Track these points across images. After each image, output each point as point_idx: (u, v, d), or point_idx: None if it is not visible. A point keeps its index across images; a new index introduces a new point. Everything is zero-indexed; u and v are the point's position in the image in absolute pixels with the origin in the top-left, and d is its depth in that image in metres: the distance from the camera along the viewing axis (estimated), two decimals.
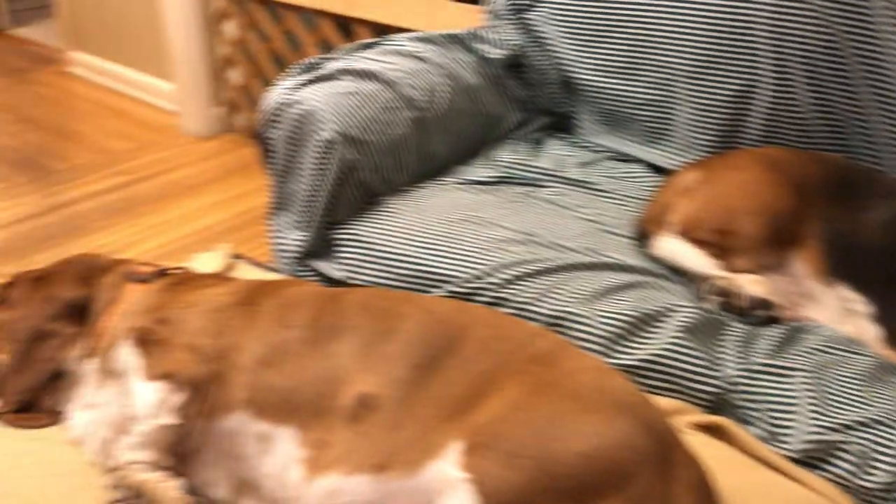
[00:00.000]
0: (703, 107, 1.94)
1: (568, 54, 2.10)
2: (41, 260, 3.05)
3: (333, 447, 1.12)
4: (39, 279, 1.43)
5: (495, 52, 2.10)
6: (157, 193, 3.58)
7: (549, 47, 2.12)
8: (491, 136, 2.11)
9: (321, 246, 1.82)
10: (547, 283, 1.55)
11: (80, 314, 1.38)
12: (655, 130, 2.05)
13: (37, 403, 1.32)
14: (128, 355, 1.23)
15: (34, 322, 1.34)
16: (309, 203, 1.81)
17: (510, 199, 1.83)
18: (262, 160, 1.95)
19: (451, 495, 1.00)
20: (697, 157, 1.97)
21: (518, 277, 1.56)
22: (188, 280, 1.39)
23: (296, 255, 1.83)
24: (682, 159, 2.00)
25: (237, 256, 1.78)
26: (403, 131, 1.87)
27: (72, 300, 1.37)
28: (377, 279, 1.69)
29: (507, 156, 2.02)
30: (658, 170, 2.06)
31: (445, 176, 1.95)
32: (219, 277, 1.45)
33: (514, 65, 2.14)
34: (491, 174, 1.92)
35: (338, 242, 1.78)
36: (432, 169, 1.97)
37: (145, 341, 1.23)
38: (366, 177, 1.80)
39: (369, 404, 1.14)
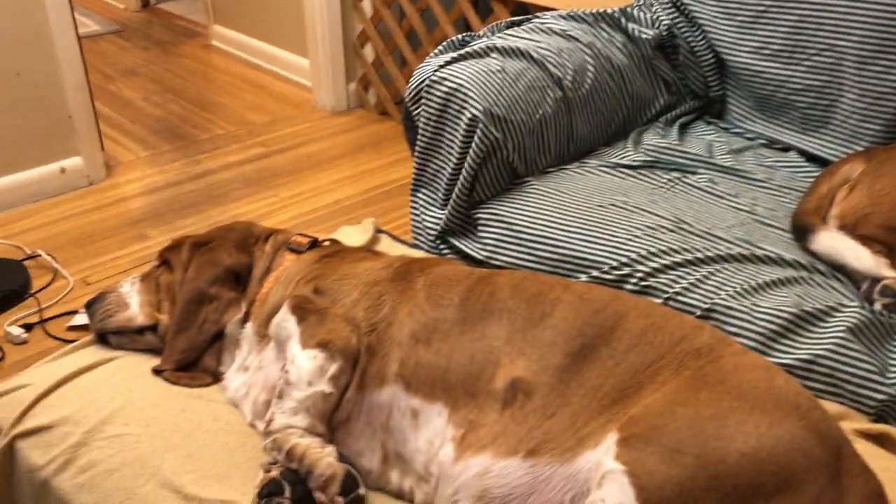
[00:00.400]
0: (872, 94, 1.81)
1: (724, 35, 2.00)
2: (185, 225, 3.21)
3: (484, 428, 1.12)
4: (201, 244, 1.48)
5: (646, 32, 2.03)
6: (292, 166, 3.68)
7: (703, 27, 2.03)
8: (637, 118, 2.05)
9: (461, 224, 1.81)
10: (698, 273, 1.49)
11: (239, 280, 1.42)
12: (815, 118, 1.94)
13: (197, 363, 1.38)
14: (285, 322, 1.26)
15: (197, 285, 1.39)
16: (451, 181, 1.81)
17: (659, 185, 1.77)
18: (407, 136, 1.97)
19: (607, 486, 0.97)
20: (860, 148, 1.85)
21: (668, 266, 1.51)
22: (340, 252, 1.42)
23: (435, 232, 1.84)
24: (843, 149, 1.88)
25: (379, 231, 1.80)
26: (549, 111, 1.84)
27: (232, 266, 1.42)
28: (519, 261, 1.67)
29: (654, 140, 1.95)
30: (814, 159, 1.95)
31: (589, 158, 1.91)
32: (369, 252, 1.46)
33: (665, 45, 2.07)
34: (638, 158, 1.86)
35: (479, 222, 1.77)
36: (575, 151, 1.93)
37: (302, 310, 1.26)
38: (509, 156, 1.78)
39: (523, 389, 1.12)
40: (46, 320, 2.61)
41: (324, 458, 1.13)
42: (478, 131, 1.73)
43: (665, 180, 1.79)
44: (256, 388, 1.31)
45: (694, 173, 1.82)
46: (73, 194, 3.40)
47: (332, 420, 1.21)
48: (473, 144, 1.73)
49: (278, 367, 1.26)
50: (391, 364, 1.20)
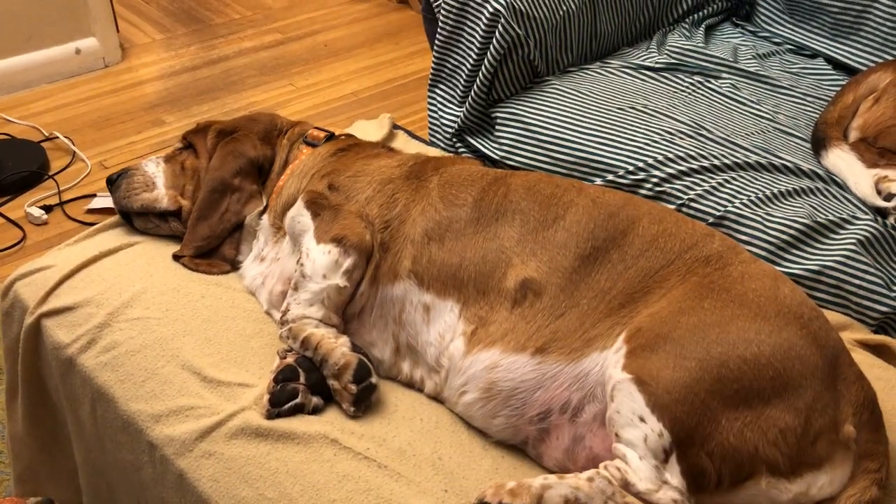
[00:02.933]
0: None
1: None
2: (201, 112, 3.19)
3: (494, 325, 1.15)
4: (227, 132, 1.48)
5: None
6: (309, 54, 3.63)
7: None
8: (662, 18, 1.99)
9: (478, 122, 1.80)
10: (714, 181, 1.49)
11: (261, 172, 1.43)
12: (847, 23, 1.88)
13: (215, 251, 1.41)
14: (300, 217, 1.28)
15: (221, 175, 1.40)
16: (470, 77, 1.78)
17: (681, 89, 1.75)
18: (426, 29, 1.93)
19: (618, 397, 1.01)
20: (890, 57, 1.81)
21: (684, 173, 1.51)
22: (356, 148, 1.42)
23: (452, 129, 1.83)
24: (873, 58, 1.84)
25: (396, 127, 1.80)
26: (573, 7, 1.80)
27: (256, 158, 1.43)
28: (534, 162, 1.67)
29: (679, 41, 1.91)
30: (841, 67, 1.90)
31: (611, 58, 1.88)
32: (385, 148, 1.46)
33: None
34: (662, 60, 1.82)
35: (496, 120, 1.76)
36: (598, 50, 1.89)
37: (317, 205, 1.27)
38: (530, 53, 1.75)
39: (532, 289, 1.15)
40: (65, 202, 2.65)
41: (338, 347, 1.17)
42: (499, 27, 1.69)
43: (687, 84, 1.76)
44: (272, 279, 1.34)
45: (717, 77, 1.78)
46: (89, 76, 3.38)
47: (345, 312, 1.24)
48: (494, 40, 1.70)
49: (294, 260, 1.29)
50: (404, 260, 1.22)
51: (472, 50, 1.76)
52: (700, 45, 1.88)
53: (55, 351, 1.32)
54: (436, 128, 1.88)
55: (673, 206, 1.48)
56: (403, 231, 1.24)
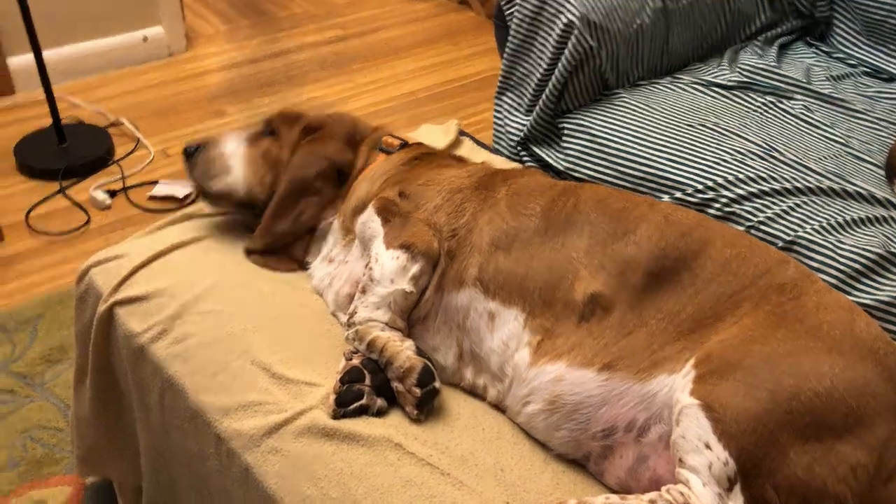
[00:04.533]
0: None
1: None
2: (262, 104, 3.23)
3: (561, 338, 1.15)
4: (312, 129, 1.49)
5: None
6: (369, 52, 3.66)
7: None
8: (735, 35, 1.97)
9: (545, 133, 1.81)
10: (784, 204, 1.47)
11: (340, 177, 1.44)
12: None
13: (286, 250, 1.43)
14: (371, 222, 1.30)
15: (303, 174, 1.41)
16: (539, 87, 1.79)
17: (752, 109, 1.73)
18: (497, 36, 1.93)
19: (685, 422, 1.01)
20: None
21: (754, 194, 1.49)
22: (427, 157, 1.43)
23: (518, 138, 1.83)
24: None
25: (462, 133, 1.81)
26: (646, 21, 1.79)
27: (339, 162, 1.43)
28: (600, 175, 1.67)
29: (751, 59, 1.89)
30: None
31: (682, 74, 1.86)
32: (454, 158, 1.47)
33: None
34: (734, 78, 1.80)
35: (563, 131, 1.76)
36: (669, 65, 1.88)
37: (387, 212, 1.29)
38: (602, 66, 1.75)
39: (601, 304, 1.15)
40: (128, 188, 2.71)
41: (403, 350, 1.19)
42: (572, 38, 1.69)
43: (759, 104, 1.74)
44: (340, 281, 1.36)
45: (790, 98, 1.76)
46: (155, 64, 3.45)
47: (410, 317, 1.26)
48: (566, 51, 1.70)
49: (362, 264, 1.31)
50: (470, 268, 1.24)
51: (542, 59, 1.76)
52: (773, 63, 1.86)
53: (127, 339, 1.36)
54: (501, 135, 1.89)
55: (742, 228, 1.47)
56: (470, 240, 1.25)
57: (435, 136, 1.77)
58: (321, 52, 3.64)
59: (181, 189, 2.68)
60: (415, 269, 1.23)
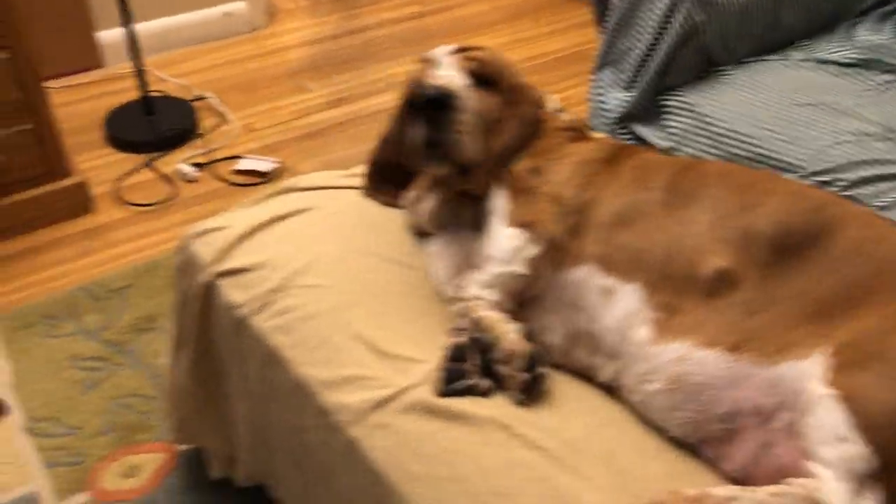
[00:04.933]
0: None
1: None
2: (341, 80, 3.22)
3: (684, 315, 1.10)
4: (515, 89, 1.34)
5: None
6: (448, 28, 3.61)
7: None
8: (848, 10, 1.88)
9: (646, 110, 1.75)
10: None
11: None
12: None
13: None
14: (497, 197, 1.26)
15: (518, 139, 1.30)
16: (642, 62, 1.73)
17: (871, 87, 1.64)
18: (596, 9, 1.88)
19: (821, 413, 0.95)
20: None
21: (874, 178, 1.42)
22: (559, 130, 1.38)
23: (618, 114, 1.78)
24: None
25: (560, 111, 1.75)
26: None
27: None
28: (706, 154, 1.61)
29: (867, 35, 1.79)
30: None
31: (792, 50, 1.78)
32: (584, 132, 1.41)
33: None
34: (850, 55, 1.72)
35: (666, 109, 1.70)
36: (778, 41, 1.80)
37: (515, 187, 1.25)
38: (709, 41, 1.68)
39: (728, 281, 1.09)
40: (214, 161, 2.73)
41: (510, 332, 1.15)
42: (681, 12, 1.63)
43: (876, 82, 1.65)
44: (452, 251, 1.32)
45: None
46: (237, 39, 3.47)
47: (524, 296, 1.22)
48: (673, 26, 1.64)
49: (480, 237, 1.27)
50: (590, 244, 1.19)
51: (646, 34, 1.70)
52: (891, 39, 1.76)
53: (228, 310, 1.36)
54: (598, 111, 1.83)
55: None
56: (593, 214, 1.21)
57: None
58: (400, 29, 3.61)
59: (265, 164, 2.70)
60: (533, 251, 1.18)
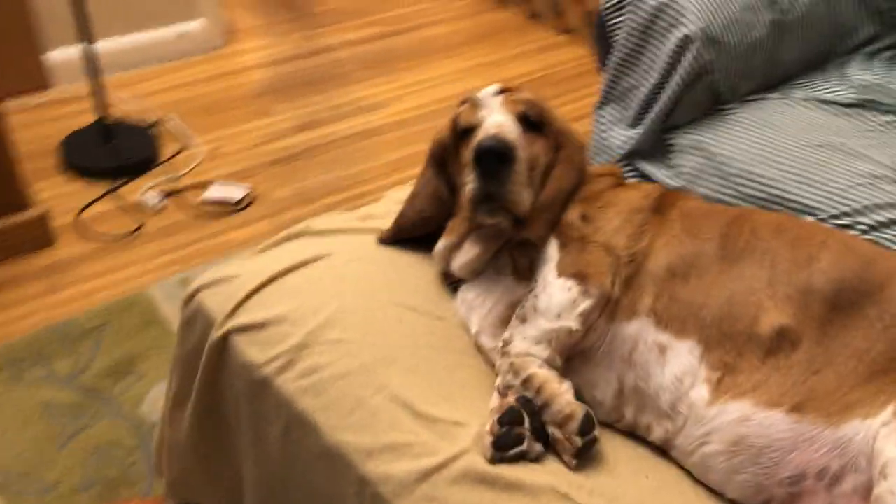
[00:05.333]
0: None
1: None
2: (308, 104, 3.14)
3: (744, 374, 1.08)
4: (561, 133, 1.31)
5: None
6: (413, 50, 3.57)
7: None
8: (839, 48, 1.90)
9: (653, 147, 1.73)
10: None
11: None
12: None
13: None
14: (549, 246, 1.21)
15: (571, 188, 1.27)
16: (648, 100, 1.71)
17: (873, 128, 1.66)
18: (597, 44, 1.86)
19: (893, 475, 0.94)
20: None
21: (892, 222, 1.43)
22: (610, 177, 1.34)
23: (623, 151, 1.76)
24: None
25: None
26: (760, 35, 1.71)
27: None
28: (719, 195, 1.60)
29: (860, 74, 1.82)
30: None
31: (791, 88, 1.79)
32: (629, 182, 1.38)
33: None
34: (849, 95, 1.73)
35: (673, 147, 1.69)
36: (776, 78, 1.81)
37: (565, 235, 1.20)
38: (717, 80, 1.67)
39: (789, 339, 1.07)
40: (181, 190, 2.62)
41: (563, 393, 1.11)
42: (691, 51, 1.62)
43: (880, 123, 1.67)
44: (492, 300, 1.26)
45: None
46: (196, 59, 3.35)
47: (573, 350, 1.18)
48: (682, 65, 1.63)
49: (520, 284, 1.23)
50: (644, 297, 1.15)
51: (653, 72, 1.69)
52: (885, 78, 1.79)
53: (246, 369, 1.28)
54: (601, 149, 1.81)
55: None
56: (647, 265, 1.17)
57: None
58: (363, 50, 3.55)
59: (235, 191, 2.60)
60: (586, 304, 1.14)
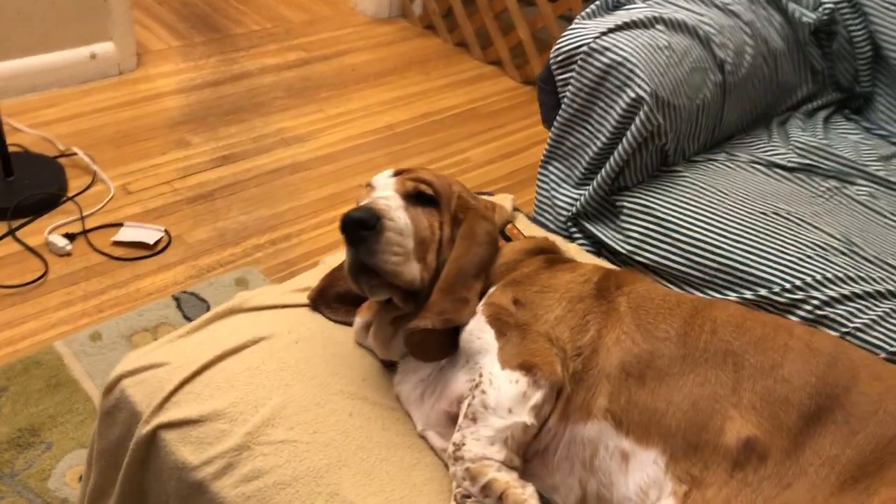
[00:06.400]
0: None
1: (889, 28, 1.86)
2: (229, 134, 2.99)
3: (712, 489, 1.03)
4: (464, 206, 1.27)
5: (807, 15, 1.87)
6: (337, 78, 3.45)
7: (868, 16, 1.88)
8: (778, 106, 1.92)
9: (600, 209, 1.69)
10: (879, 309, 1.40)
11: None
12: None
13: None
14: (481, 332, 1.13)
15: (479, 260, 1.21)
16: (596, 161, 1.67)
17: (818, 194, 1.66)
18: (540, 100, 1.80)
19: None
20: None
21: (845, 297, 1.42)
22: (544, 255, 1.27)
23: (568, 213, 1.71)
24: None
25: (516, 209, 1.66)
26: (707, 96, 1.70)
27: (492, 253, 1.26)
28: (668, 261, 1.57)
29: (802, 136, 1.83)
30: None
31: (734, 149, 1.78)
32: (567, 259, 1.32)
33: (821, 31, 1.91)
34: (792, 158, 1.74)
35: (622, 210, 1.65)
36: (720, 137, 1.80)
37: (502, 322, 1.13)
38: (666, 143, 1.64)
39: (757, 451, 1.03)
40: (89, 230, 2.42)
41: (527, 500, 1.04)
42: (641, 114, 1.58)
43: (824, 189, 1.68)
44: (433, 395, 1.19)
45: (853, 184, 1.71)
46: (103, 83, 3.14)
47: (526, 449, 1.11)
48: (633, 128, 1.59)
49: (462, 377, 1.15)
50: (599, 397, 1.10)
51: (601, 132, 1.64)
52: (824, 141, 1.80)
53: (178, 471, 1.15)
54: (546, 207, 1.76)
55: (837, 334, 1.39)
56: (597, 361, 1.11)
57: None
58: (285, 77, 3.41)
59: (150, 233, 2.43)
60: (537, 396, 1.07)
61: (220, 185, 2.71)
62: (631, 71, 1.59)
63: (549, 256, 1.26)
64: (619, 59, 1.60)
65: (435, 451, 1.18)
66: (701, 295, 1.26)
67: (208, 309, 2.20)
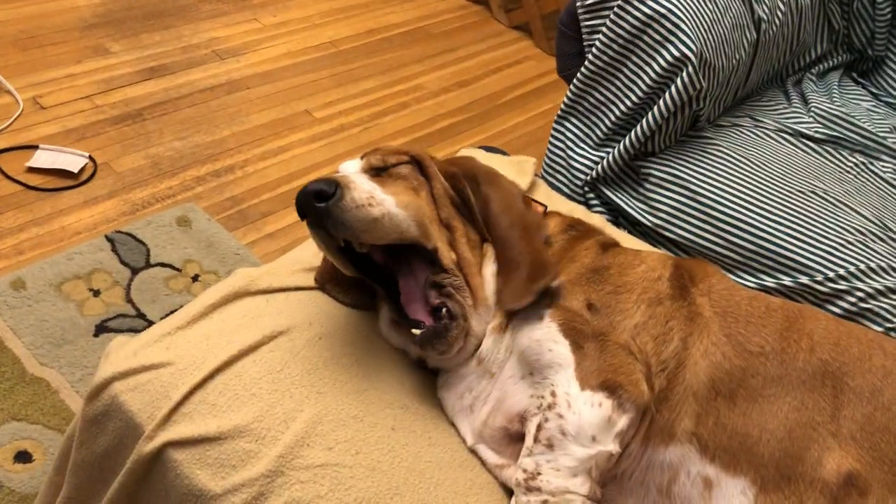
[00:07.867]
0: None
1: None
2: (153, 42, 2.63)
3: None
4: (469, 175, 1.15)
5: None
6: None
7: None
8: (792, 65, 1.81)
9: (621, 175, 1.54)
10: None
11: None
12: None
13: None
14: (552, 344, 0.98)
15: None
16: (622, 121, 1.51)
17: (846, 169, 1.58)
18: (558, 45, 1.61)
19: None
20: None
21: (890, 290, 1.35)
22: (591, 237, 1.12)
23: (586, 177, 1.56)
24: None
25: (537, 175, 1.49)
26: (743, 56, 1.56)
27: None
28: (703, 241, 1.45)
29: (815, 98, 1.73)
30: None
31: (757, 113, 1.67)
32: (613, 240, 1.16)
33: None
34: (819, 130, 1.64)
35: (648, 179, 1.51)
36: (742, 96, 1.68)
37: (577, 332, 0.98)
38: (702, 108, 1.50)
39: (857, 486, 0.95)
40: None
41: None
42: (683, 75, 1.43)
43: (851, 164, 1.59)
44: (486, 406, 1.04)
45: (878, 159, 1.63)
46: None
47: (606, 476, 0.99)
48: (673, 89, 1.44)
49: (528, 392, 1.00)
50: (684, 418, 0.98)
51: (633, 92, 1.48)
52: (844, 110, 1.71)
53: (194, 498, 0.96)
54: (560, 168, 1.59)
55: (880, 330, 1.33)
56: (683, 377, 0.99)
57: (507, 170, 1.44)
58: None
59: (72, 160, 2.11)
60: (623, 421, 0.95)
61: (149, 102, 2.38)
62: (675, 25, 1.42)
63: (599, 239, 1.11)
64: (663, 10, 1.43)
65: (486, 466, 1.05)
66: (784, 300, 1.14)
67: (148, 253, 1.94)
